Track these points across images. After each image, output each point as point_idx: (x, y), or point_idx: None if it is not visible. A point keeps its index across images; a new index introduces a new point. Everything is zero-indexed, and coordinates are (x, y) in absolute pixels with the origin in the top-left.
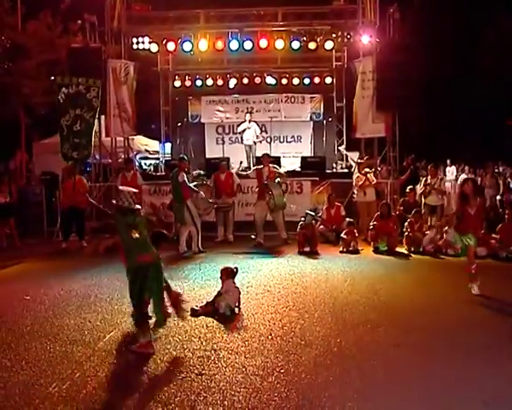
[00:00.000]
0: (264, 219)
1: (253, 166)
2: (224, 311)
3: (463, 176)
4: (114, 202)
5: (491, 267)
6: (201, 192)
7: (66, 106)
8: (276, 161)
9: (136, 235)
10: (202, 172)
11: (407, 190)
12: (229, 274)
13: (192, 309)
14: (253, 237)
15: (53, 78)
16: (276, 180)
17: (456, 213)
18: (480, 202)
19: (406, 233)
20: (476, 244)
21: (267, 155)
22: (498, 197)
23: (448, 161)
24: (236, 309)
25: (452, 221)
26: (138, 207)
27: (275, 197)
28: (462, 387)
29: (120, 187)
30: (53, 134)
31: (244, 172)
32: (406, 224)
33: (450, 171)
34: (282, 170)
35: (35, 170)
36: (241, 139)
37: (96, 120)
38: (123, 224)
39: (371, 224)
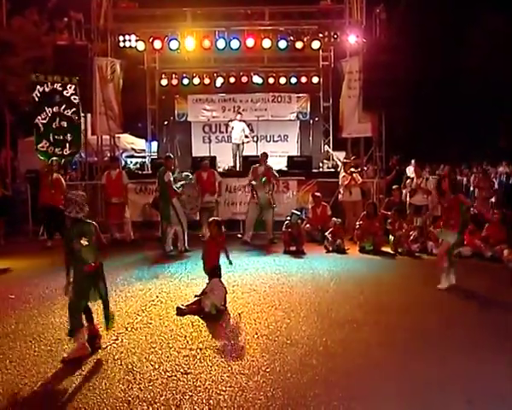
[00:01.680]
0: (255, 218)
1: (240, 165)
2: (209, 310)
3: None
4: (63, 208)
5: (475, 267)
6: (183, 195)
7: (42, 104)
8: None
9: (85, 243)
10: (189, 175)
11: (393, 188)
12: (215, 226)
13: (178, 308)
14: (239, 235)
15: (38, 75)
16: (262, 179)
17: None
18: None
19: (390, 234)
20: (455, 241)
21: (265, 154)
22: (493, 199)
23: (413, 161)
24: (222, 308)
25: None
26: (84, 212)
27: (259, 198)
28: (446, 385)
29: (68, 194)
30: None
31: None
32: (388, 223)
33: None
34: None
35: (20, 168)
36: (230, 138)
37: (82, 118)
38: (74, 232)
39: (357, 223)
